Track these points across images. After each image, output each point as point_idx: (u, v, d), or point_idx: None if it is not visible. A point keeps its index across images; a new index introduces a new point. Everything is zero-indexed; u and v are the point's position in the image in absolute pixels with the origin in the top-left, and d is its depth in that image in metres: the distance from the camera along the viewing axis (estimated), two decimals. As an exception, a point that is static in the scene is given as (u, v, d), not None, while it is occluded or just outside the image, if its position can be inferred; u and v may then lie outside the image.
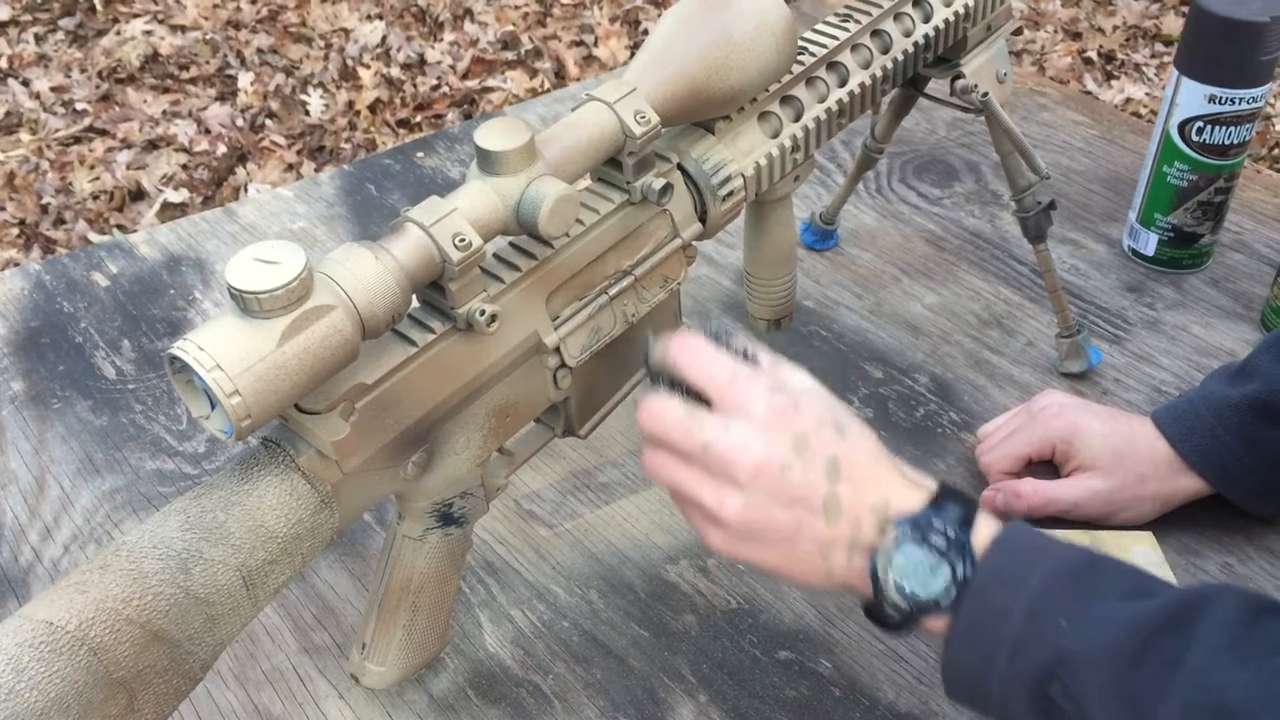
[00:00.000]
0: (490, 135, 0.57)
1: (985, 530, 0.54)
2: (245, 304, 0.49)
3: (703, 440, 0.56)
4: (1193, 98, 0.93)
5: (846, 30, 0.75)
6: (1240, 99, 0.92)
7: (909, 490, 0.56)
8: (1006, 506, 0.79)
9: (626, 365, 0.70)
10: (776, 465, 0.55)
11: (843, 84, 0.74)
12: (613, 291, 0.65)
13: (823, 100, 0.73)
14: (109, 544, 0.53)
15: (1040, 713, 0.51)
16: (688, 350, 0.58)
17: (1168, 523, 0.77)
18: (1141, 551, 0.75)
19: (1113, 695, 0.49)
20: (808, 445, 0.55)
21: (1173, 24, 2.79)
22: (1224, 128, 0.94)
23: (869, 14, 0.76)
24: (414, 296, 0.56)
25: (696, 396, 0.58)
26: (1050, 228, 0.88)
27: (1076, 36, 2.81)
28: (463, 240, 0.55)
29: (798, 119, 0.72)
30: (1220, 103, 0.92)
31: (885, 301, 1.01)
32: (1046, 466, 0.80)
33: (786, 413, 0.56)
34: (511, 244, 0.63)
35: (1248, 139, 0.95)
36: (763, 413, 0.56)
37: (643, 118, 0.61)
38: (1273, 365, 0.74)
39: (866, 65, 0.75)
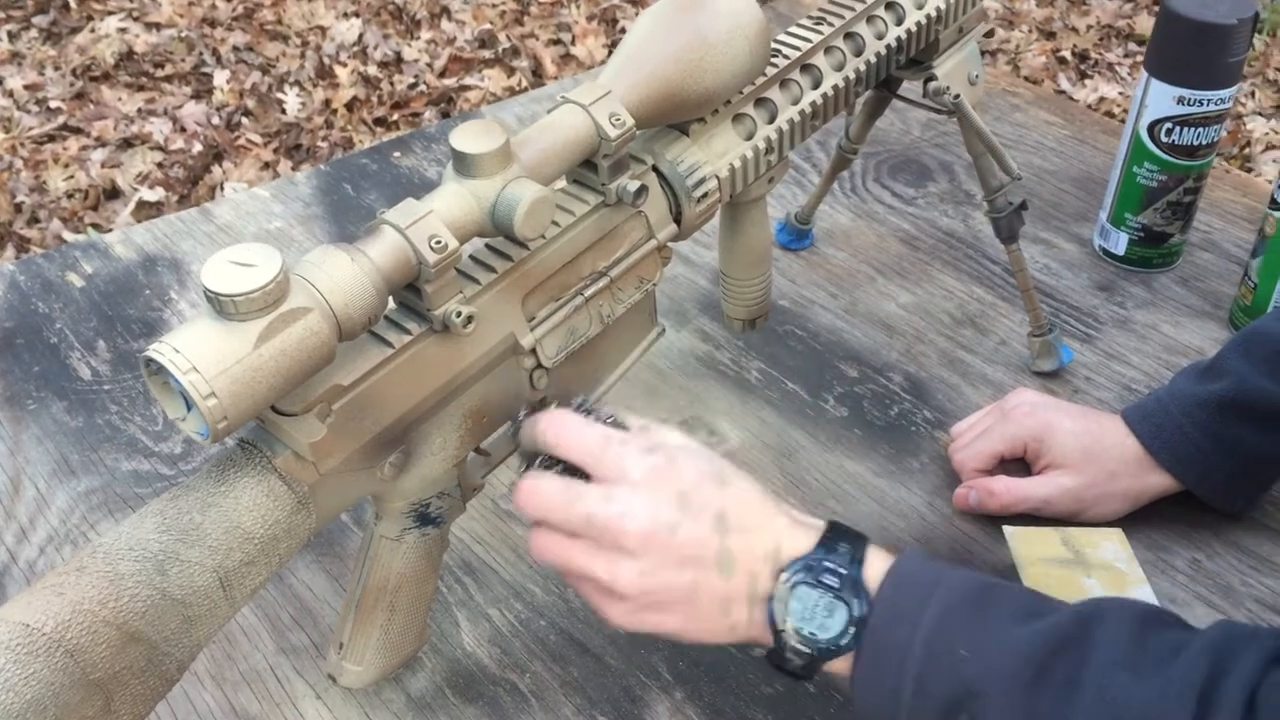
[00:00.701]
0: (466, 138, 0.58)
1: (878, 565, 0.54)
2: (221, 306, 0.49)
3: (584, 512, 0.55)
4: (1162, 99, 0.95)
5: (820, 33, 0.75)
6: (1209, 100, 0.93)
7: (798, 532, 0.55)
8: (980, 504, 0.80)
9: (602, 366, 0.70)
10: (665, 526, 0.54)
11: (816, 86, 0.75)
12: (588, 293, 0.66)
13: (796, 102, 0.74)
14: (85, 546, 0.53)
15: None
16: (555, 425, 0.58)
17: (1137, 519, 0.78)
18: (1111, 548, 0.76)
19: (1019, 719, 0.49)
20: (691, 502, 0.54)
21: (1145, 24, 2.82)
22: (1193, 129, 0.95)
23: (842, 17, 0.77)
24: (390, 298, 0.57)
25: (573, 471, 0.57)
26: (1022, 228, 0.89)
27: (1051, 36, 2.83)
28: (439, 242, 0.55)
29: (772, 121, 0.73)
30: (1189, 104, 0.94)
31: (860, 301, 1.01)
32: (1018, 464, 0.81)
33: (664, 471, 0.55)
34: (487, 246, 0.63)
35: (1216, 140, 0.96)
36: (640, 475, 0.55)
37: (618, 120, 0.62)
38: (1240, 363, 0.75)
39: (840, 67, 0.76)
